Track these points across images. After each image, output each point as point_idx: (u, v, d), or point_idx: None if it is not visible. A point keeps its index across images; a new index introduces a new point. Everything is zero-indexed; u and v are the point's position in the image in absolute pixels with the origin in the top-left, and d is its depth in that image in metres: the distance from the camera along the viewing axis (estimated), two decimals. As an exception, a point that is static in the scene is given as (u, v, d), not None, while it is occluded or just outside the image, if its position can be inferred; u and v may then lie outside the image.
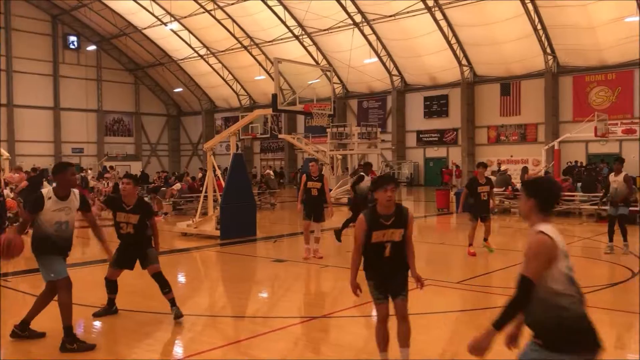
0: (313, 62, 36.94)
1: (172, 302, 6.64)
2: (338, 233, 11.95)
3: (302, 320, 6.83)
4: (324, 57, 39.78)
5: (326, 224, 12.03)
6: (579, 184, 19.06)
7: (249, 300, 8.17)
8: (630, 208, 12.10)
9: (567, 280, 3.09)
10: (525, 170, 19.71)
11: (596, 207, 16.77)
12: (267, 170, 28.18)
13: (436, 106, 39.47)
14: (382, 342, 4.86)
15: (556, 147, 24.81)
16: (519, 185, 19.60)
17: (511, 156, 35.55)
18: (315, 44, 39.34)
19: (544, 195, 3.15)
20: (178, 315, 6.56)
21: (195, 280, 9.97)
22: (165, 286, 6.64)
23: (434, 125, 39.68)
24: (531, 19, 31.12)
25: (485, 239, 11.12)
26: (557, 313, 3.03)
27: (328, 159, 26.06)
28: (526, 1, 30.36)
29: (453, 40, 34.75)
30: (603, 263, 10.54)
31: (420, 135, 40.40)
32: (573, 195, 18.02)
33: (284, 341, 6.05)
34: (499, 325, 3.07)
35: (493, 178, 20.36)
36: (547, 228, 3.04)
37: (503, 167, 21.68)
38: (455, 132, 38.63)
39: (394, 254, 4.68)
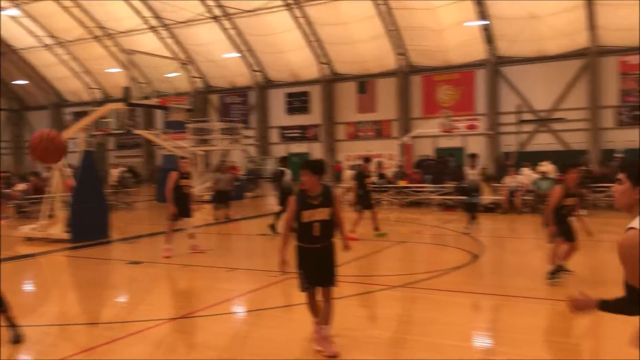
0: (170, 55, 35.73)
1: (10, 323, 5.67)
2: (272, 226, 12.41)
3: (162, 322, 6.56)
4: (183, 50, 38.67)
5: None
6: (429, 176, 20.44)
7: (104, 305, 7.69)
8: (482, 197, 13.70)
9: None
10: (380, 164, 20.68)
11: (444, 197, 18.12)
12: (120, 168, 26.75)
13: (298, 103, 40.09)
14: (315, 310, 5.35)
15: (408, 142, 26.34)
16: (374, 179, 20.55)
17: (368, 151, 37.17)
18: (173, 36, 38.10)
19: None
20: (17, 340, 5.63)
21: (43, 287, 9.19)
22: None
23: (297, 122, 40.30)
24: (384, 20, 32.74)
25: (376, 228, 11.98)
26: None
27: (189, 155, 25.36)
28: (379, 3, 31.84)
29: (313, 38, 35.51)
30: (449, 249, 11.39)
31: (283, 132, 40.82)
32: (423, 187, 19.27)
33: (143, 345, 5.77)
34: (602, 307, 2.81)
35: (351, 172, 21.19)
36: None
37: (359, 162, 22.54)
38: (316, 129, 39.55)
39: (323, 232, 5.09)
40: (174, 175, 10.40)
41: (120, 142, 45.50)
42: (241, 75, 39.74)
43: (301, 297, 7.26)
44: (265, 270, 8.81)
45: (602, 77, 31.84)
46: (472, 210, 13.08)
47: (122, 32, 38.21)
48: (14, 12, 37.49)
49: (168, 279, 9.22)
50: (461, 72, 35.24)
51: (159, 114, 40.58)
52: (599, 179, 17.18)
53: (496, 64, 34.05)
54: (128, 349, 5.62)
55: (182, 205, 10.32)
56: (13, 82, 46.58)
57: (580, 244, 7.81)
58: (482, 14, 31.23)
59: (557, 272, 7.63)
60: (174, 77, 27.57)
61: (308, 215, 5.03)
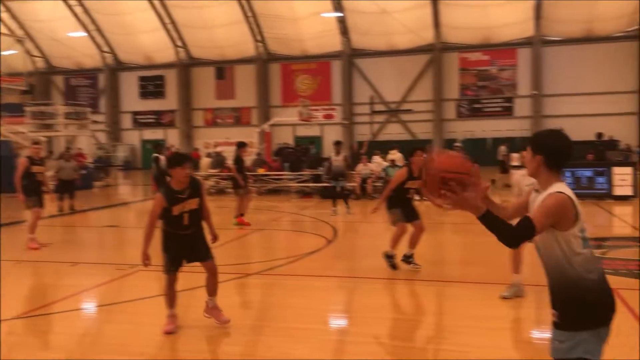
0: (6, 31, 32.36)
1: None
2: None
3: (-8, 325, 5.91)
4: (21, 26, 35.20)
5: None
6: (287, 164, 20.67)
7: None
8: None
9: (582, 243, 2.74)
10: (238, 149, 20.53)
11: (302, 184, 18.46)
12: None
13: (152, 87, 38.48)
14: (172, 300, 5.41)
15: (267, 130, 26.44)
16: (232, 166, 20.37)
17: (227, 138, 36.76)
18: (8, 10, 34.49)
19: (552, 150, 2.82)
20: None
21: None
22: None
23: (151, 107, 38.68)
24: (242, 5, 32.41)
25: (238, 216, 12.05)
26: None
27: (28, 141, 23.18)
28: (237, -12, 31.44)
29: (167, 20, 34.18)
30: (305, 234, 11.63)
31: (136, 117, 38.96)
32: (281, 175, 19.47)
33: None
34: (482, 218, 2.73)
35: (209, 160, 20.81)
36: (564, 188, 2.74)
37: (218, 149, 22.25)
38: (172, 114, 38.25)
39: (192, 221, 5.26)
40: (23, 161, 9.69)
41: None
42: (89, 56, 37.20)
43: (153, 290, 6.99)
44: (113, 264, 8.33)
45: (445, 72, 34.39)
46: (339, 196, 14.05)
47: (-54, 2, 33.88)
48: None
49: (4, 277, 8.36)
50: (318, 62, 36.08)
51: (-8, 95, 36.66)
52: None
53: (351, 56, 35.32)
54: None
55: (34, 193, 9.61)
56: None
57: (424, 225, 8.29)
58: (338, 6, 32.15)
59: (391, 257, 7.68)
60: (8, 55, 25.00)
61: (178, 209, 5.16)
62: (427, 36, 33.45)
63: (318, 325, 5.71)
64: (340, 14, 32.62)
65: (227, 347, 5.16)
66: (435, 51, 33.70)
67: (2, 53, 14.62)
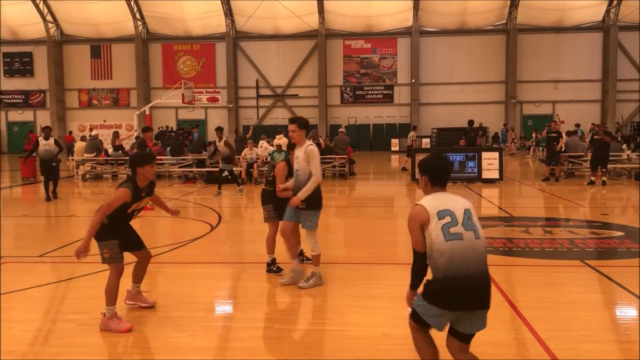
0: None
1: None
2: None
3: None
4: None
5: None
6: (169, 149, 20.04)
7: None
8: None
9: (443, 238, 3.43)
10: (116, 134, 19.55)
11: (184, 169, 17.98)
12: None
13: (19, 64, 35.54)
14: (115, 296, 5.20)
15: (147, 113, 25.43)
16: (110, 151, 19.37)
17: (104, 121, 34.93)
18: None
19: (431, 171, 3.69)
20: None
21: None
22: None
23: (18, 86, 35.71)
24: (120, -19, 30.75)
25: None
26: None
27: None
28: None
29: (35, -8, 31.61)
30: (189, 221, 11.36)
31: (2, 97, 35.78)
32: (163, 159, 18.83)
33: None
34: (412, 286, 3.72)
35: (83, 143, 19.64)
36: (426, 198, 3.62)
37: (94, 132, 21.02)
38: (42, 94, 35.58)
39: (135, 215, 5.43)
40: None
41: None
42: (-58, 28, 33.48)
43: (18, 283, 6.49)
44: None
45: (330, 58, 35.02)
46: (226, 180, 15.15)
47: None
48: None
49: None
50: (201, 44, 35.22)
51: None
52: (326, 151, 18.95)
53: (236, 38, 34.83)
54: None
55: None
56: None
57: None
58: (222, -13, 31.46)
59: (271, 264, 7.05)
60: None
61: (135, 206, 5.24)
62: (312, 22, 33.78)
63: (201, 312, 5.62)
64: (225, -5, 31.97)
65: (108, 338, 4.92)
66: (320, 37, 34.14)
67: None
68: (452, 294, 3.39)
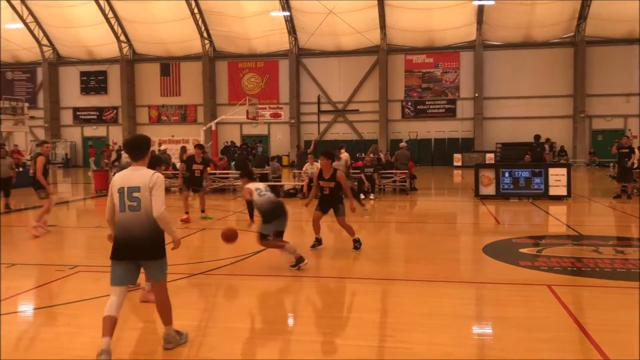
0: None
1: None
2: None
3: None
4: (-48, 15, 33.50)
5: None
6: (233, 163, 20.54)
7: None
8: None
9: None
10: (183, 149, 20.23)
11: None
12: None
13: (94, 82, 37.39)
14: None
15: (213, 128, 26.16)
16: (178, 165, 20.04)
17: (172, 136, 36.14)
18: (-61, -2, 32.78)
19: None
20: None
21: None
22: None
23: (93, 103, 37.57)
24: (188, 2, 31.92)
25: (203, 210, 13.05)
26: None
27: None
28: (182, -17, 30.98)
29: (110, 14, 33.26)
30: (250, 234, 11.56)
31: (77, 113, 37.76)
32: (227, 173, 19.30)
33: None
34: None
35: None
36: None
37: (163, 147, 21.83)
38: (115, 111, 37.27)
39: None
40: (42, 159, 10.97)
41: None
42: (27, 49, 35.77)
43: (93, 292, 6.81)
44: (52, 265, 8.06)
45: (391, 73, 34.96)
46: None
47: None
48: None
49: None
50: (265, 61, 35.97)
51: None
52: (387, 166, 18.91)
53: (298, 55, 35.38)
54: None
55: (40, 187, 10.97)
56: None
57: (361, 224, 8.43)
58: (285, 6, 32.15)
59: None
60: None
61: None
62: (373, 38, 33.89)
63: (263, 324, 5.71)
64: (288, 14, 32.62)
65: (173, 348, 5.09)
66: (381, 52, 34.19)
67: None
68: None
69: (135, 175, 4.64)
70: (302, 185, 17.10)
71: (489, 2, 31.03)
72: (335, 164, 14.24)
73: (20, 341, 5.40)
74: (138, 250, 4.64)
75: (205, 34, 34.60)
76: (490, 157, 30.85)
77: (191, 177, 13.09)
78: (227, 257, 8.84)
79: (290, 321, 5.99)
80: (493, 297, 6.60)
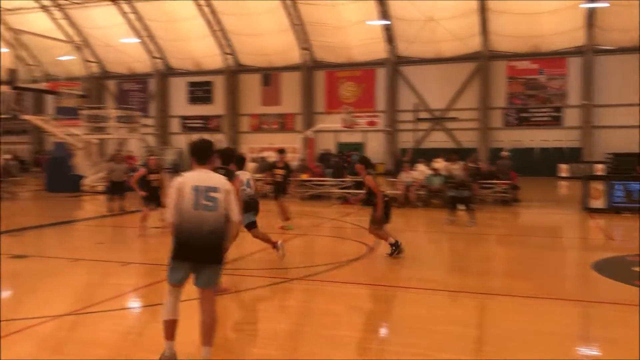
0: (63, 37, 33.66)
1: None
2: None
3: (48, 319, 6.19)
4: (78, 32, 36.54)
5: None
6: (330, 170, 20.79)
7: (-19, 303, 7.13)
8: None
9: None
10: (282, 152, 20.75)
11: (344, 190, 18.50)
12: (5, 156, 24.88)
13: (200, 92, 39.29)
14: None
15: (311, 136, 26.62)
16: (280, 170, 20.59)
17: (271, 144, 37.17)
18: (67, 17, 35.88)
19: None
20: None
21: None
22: None
23: (199, 112, 39.49)
24: (289, 13, 32.77)
25: (287, 219, 12.44)
26: None
27: (81, 143, 24.03)
28: (284, -4, 31.85)
29: (217, 28, 34.87)
30: (347, 241, 11.66)
31: (185, 121, 39.85)
32: (324, 180, 19.57)
33: (27, 343, 5.42)
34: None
35: (255, 164, 21.11)
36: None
37: (264, 154, 22.53)
38: (219, 119, 38.95)
39: None
40: (143, 171, 11.85)
41: (6, 127, 42.19)
42: (141, 62, 38.27)
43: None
44: (163, 264, 8.56)
45: (492, 80, 33.90)
46: (460, 204, 13.33)
47: (9, 10, 35.47)
48: None
49: (56, 274, 8.71)
50: (363, 70, 36.13)
51: (50, 99, 38.13)
52: (487, 175, 18.32)
53: (396, 63, 35.23)
54: (14, 347, 5.26)
55: (152, 198, 11.72)
56: None
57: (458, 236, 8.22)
58: (384, 14, 32.16)
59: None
60: (67, 60, 25.97)
61: None
62: (474, 44, 33.06)
63: (359, 333, 5.74)
64: (387, 22, 32.60)
65: (267, 350, 5.24)
66: (482, 59, 33.26)
67: (61, 58, 15.29)
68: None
69: (209, 176, 4.59)
70: (398, 194, 16.98)
71: (602, 4, 29.28)
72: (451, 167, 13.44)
73: (127, 335, 5.79)
74: (204, 251, 4.47)
75: (305, 45, 35.38)
76: (599, 168, 29.00)
77: (274, 183, 12.97)
78: (322, 263, 8.96)
79: (386, 331, 5.98)
80: (602, 317, 6.22)
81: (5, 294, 7.76)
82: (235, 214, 4.61)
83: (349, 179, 18.92)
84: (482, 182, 17.70)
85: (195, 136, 39.95)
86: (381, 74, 35.63)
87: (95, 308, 6.58)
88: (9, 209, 16.69)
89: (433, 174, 17.22)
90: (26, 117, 28.70)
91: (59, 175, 21.91)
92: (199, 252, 4.45)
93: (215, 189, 4.51)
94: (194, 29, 35.08)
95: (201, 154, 4.69)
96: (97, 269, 8.91)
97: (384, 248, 10.58)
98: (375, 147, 35.83)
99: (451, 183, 13.58)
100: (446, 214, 13.44)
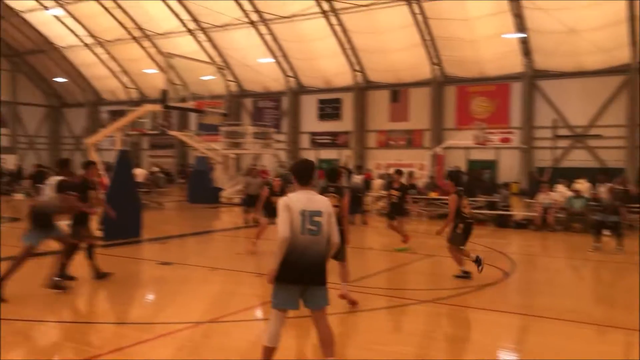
0: (207, 59, 36.19)
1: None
2: None
3: (189, 325, 6.61)
4: (219, 53, 39.11)
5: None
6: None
7: (132, 305, 7.80)
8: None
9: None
10: (410, 174, 20.54)
11: (476, 211, 17.85)
12: (153, 168, 27.18)
13: (330, 109, 40.16)
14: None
15: (440, 153, 26.11)
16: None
17: (398, 160, 36.98)
18: (210, 39, 38.57)
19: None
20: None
21: (73, 283, 9.35)
22: None
23: (327, 128, 40.35)
24: (420, 29, 32.57)
25: (404, 241, 12.02)
26: None
27: (220, 158, 25.60)
28: (416, 12, 31.71)
29: (347, 46, 35.55)
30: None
31: (314, 137, 40.93)
32: (454, 199, 19.01)
33: (169, 347, 5.83)
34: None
35: (381, 181, 21.12)
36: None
37: (391, 171, 22.42)
38: (347, 135, 39.53)
39: None
40: (266, 191, 11.80)
41: (154, 142, 46.20)
42: (275, 80, 39.98)
43: (339, 306, 7.24)
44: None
45: (644, 95, 31.03)
46: (606, 229, 12.54)
47: (160, 34, 38.91)
48: (58, 11, 38.57)
49: (197, 282, 9.28)
50: (497, 84, 34.83)
51: (192, 116, 41.10)
52: (637, 199, 16.71)
53: (533, 77, 33.55)
54: (156, 351, 5.68)
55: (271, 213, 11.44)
56: (54, 80, 47.84)
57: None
58: (520, 27, 30.86)
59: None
60: (209, 80, 27.86)
61: None
62: (621, 56, 30.56)
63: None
64: (523, 35, 31.23)
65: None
66: (632, 72, 30.62)
67: (204, 78, 16.46)
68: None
69: (314, 199, 4.67)
70: (535, 216, 16.06)
71: None
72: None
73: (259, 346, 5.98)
74: (312, 275, 4.59)
75: (435, 60, 34.90)
76: None
77: (390, 204, 12.57)
78: (451, 286, 8.68)
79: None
80: None
81: (151, 297, 8.41)
82: (336, 236, 4.73)
83: (481, 198, 18.26)
84: (631, 206, 16.19)
85: (325, 152, 40.90)
86: (516, 89, 34.08)
87: (232, 317, 6.91)
88: (156, 218, 18.16)
89: (574, 196, 16.08)
90: (172, 132, 31.23)
91: (199, 188, 23.40)
92: (308, 275, 4.57)
93: (319, 213, 4.61)
94: (325, 48, 36.01)
95: (303, 175, 4.76)
96: (233, 278, 9.37)
97: (520, 274, 10.04)
98: (509, 166, 34.25)
99: (597, 206, 12.58)
100: (589, 239, 12.46)
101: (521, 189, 32.36)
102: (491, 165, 33.97)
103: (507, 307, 7.68)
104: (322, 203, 4.69)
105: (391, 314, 7.28)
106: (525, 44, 32.15)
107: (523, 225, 16.42)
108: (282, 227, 4.57)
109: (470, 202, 18.05)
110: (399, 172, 12.96)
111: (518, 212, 18.41)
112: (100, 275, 8.75)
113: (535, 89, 33.75)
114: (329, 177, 7.78)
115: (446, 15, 31.51)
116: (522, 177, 32.86)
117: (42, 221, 7.66)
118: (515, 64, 33.27)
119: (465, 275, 9.05)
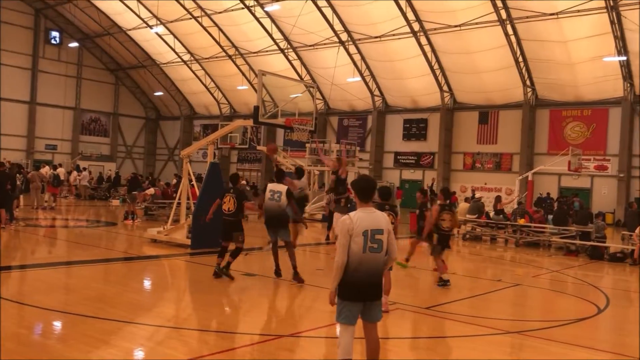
0: (297, 77, 37.03)
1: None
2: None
3: (269, 337, 6.73)
4: (308, 72, 39.90)
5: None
6: (550, 216, 19.33)
7: (215, 313, 8.04)
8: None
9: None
10: (498, 199, 19.90)
11: (566, 240, 17.01)
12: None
13: (415, 129, 39.82)
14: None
15: (530, 178, 25.16)
16: (492, 214, 19.80)
17: (485, 184, 35.96)
18: (300, 58, 39.46)
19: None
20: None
21: (161, 288, 9.79)
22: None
23: (412, 148, 40.00)
24: (513, 51, 31.70)
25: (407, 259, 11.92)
26: None
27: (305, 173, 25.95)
28: (509, 34, 30.93)
29: (436, 66, 35.20)
30: (569, 297, 10.66)
31: (398, 157, 40.67)
32: (544, 227, 18.24)
33: (249, 359, 5.95)
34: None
35: (467, 205, 20.58)
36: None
37: (477, 195, 21.87)
38: (432, 156, 38.98)
39: None
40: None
41: (242, 156, 47.68)
42: (361, 99, 40.21)
43: (408, 331, 7.14)
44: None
45: None
46: None
47: (253, 53, 40.26)
48: (160, 29, 40.93)
49: (278, 295, 9.44)
50: (593, 109, 33.22)
51: (280, 132, 42.07)
52: None
53: (634, 103, 31.74)
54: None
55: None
56: (153, 93, 50.65)
57: None
58: (621, 50, 29.30)
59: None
60: (298, 97, 28.41)
61: None
62: None
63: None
64: (624, 58, 29.63)
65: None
66: None
67: (294, 96, 16.83)
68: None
69: (374, 218, 4.77)
70: (635, 250, 15.04)
71: None
72: None
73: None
74: (375, 290, 4.79)
75: (528, 82, 33.82)
76: None
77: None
78: (539, 318, 8.30)
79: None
80: None
81: (233, 307, 8.63)
82: (395, 252, 4.91)
83: (573, 228, 17.36)
84: None
85: (408, 172, 40.45)
86: (615, 114, 32.32)
87: (312, 333, 6.96)
88: (240, 230, 18.63)
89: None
90: (260, 147, 32.08)
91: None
92: (370, 291, 4.75)
93: (380, 232, 4.75)
94: (413, 67, 35.84)
95: (364, 192, 4.86)
96: (312, 293, 9.44)
97: (613, 310, 9.45)
98: (604, 195, 32.44)
99: None
100: None
101: (616, 219, 30.52)
102: (585, 193, 32.33)
103: (596, 344, 7.24)
104: (382, 221, 4.82)
105: (473, 342, 7.04)
106: (626, 67, 30.50)
107: (619, 258, 15.43)
108: (340, 251, 4.70)
109: (562, 230, 17.28)
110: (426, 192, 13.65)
111: (614, 244, 17.36)
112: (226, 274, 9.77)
113: (636, 115, 31.89)
114: (383, 196, 8.30)
115: (541, 36, 30.53)
116: (617, 207, 31.00)
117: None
118: (614, 88, 31.65)
119: (444, 284, 9.86)
